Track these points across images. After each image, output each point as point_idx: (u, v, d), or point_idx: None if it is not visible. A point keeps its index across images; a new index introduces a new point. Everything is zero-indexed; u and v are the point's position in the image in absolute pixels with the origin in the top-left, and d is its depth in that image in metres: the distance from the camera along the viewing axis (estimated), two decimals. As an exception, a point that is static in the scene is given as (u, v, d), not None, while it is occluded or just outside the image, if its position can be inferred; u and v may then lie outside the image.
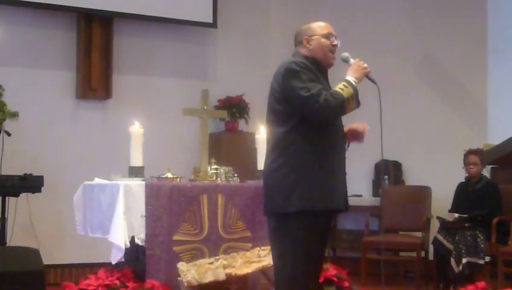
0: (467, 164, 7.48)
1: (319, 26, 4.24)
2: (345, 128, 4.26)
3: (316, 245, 4.09)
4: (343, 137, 4.23)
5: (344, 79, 4.10)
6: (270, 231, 4.19)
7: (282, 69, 4.09)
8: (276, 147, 4.11)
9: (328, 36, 4.20)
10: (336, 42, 4.21)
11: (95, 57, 7.93)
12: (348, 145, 4.30)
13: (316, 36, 4.20)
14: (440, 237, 7.30)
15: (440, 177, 8.45)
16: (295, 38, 4.34)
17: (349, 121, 4.29)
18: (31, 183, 6.55)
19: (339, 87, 4.05)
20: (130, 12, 8.07)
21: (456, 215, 7.30)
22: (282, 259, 4.07)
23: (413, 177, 9.06)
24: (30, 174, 6.57)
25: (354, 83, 4.08)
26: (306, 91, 3.95)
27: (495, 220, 7.18)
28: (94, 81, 7.92)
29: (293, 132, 4.05)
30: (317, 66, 4.14)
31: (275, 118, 4.12)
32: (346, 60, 4.27)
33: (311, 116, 4.00)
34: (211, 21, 8.50)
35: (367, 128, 4.26)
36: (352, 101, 4.04)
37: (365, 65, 4.18)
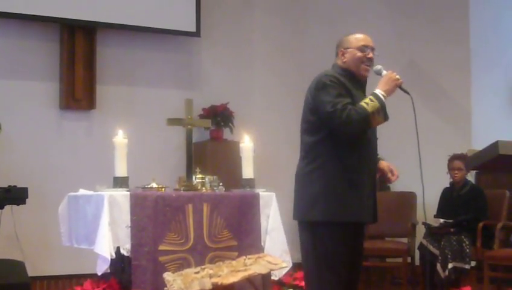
0: (451, 169, 7.52)
1: (355, 39, 4.39)
2: (379, 163, 4.45)
3: (342, 255, 4.16)
4: (374, 150, 4.38)
5: (372, 92, 4.20)
6: (299, 235, 4.32)
7: (315, 81, 4.23)
8: (307, 155, 4.27)
9: (362, 48, 4.32)
10: (370, 55, 4.31)
11: (79, 67, 7.90)
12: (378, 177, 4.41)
13: (351, 48, 4.34)
14: (426, 243, 7.32)
15: (425, 182, 8.46)
16: (336, 50, 4.46)
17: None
18: (16, 195, 6.51)
19: (364, 101, 4.15)
20: (113, 22, 8.04)
21: (442, 220, 7.33)
22: (308, 265, 4.22)
23: (398, 183, 9.06)
24: (14, 186, 6.54)
25: (381, 96, 4.18)
26: (332, 106, 4.06)
27: (480, 224, 7.22)
28: (78, 91, 7.89)
29: (322, 142, 4.20)
30: (352, 78, 4.26)
31: (308, 126, 4.29)
32: (378, 73, 4.40)
33: (335, 131, 4.13)
34: (194, 30, 8.48)
35: (396, 174, 4.51)
36: (378, 115, 4.15)
37: (397, 76, 4.28)
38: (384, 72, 4.33)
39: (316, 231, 4.16)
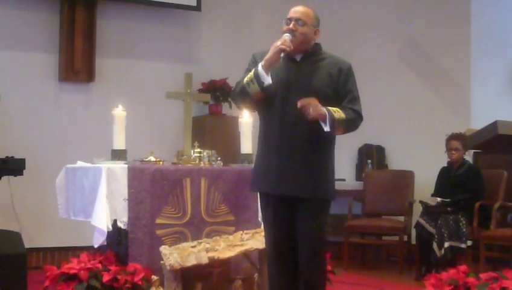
0: (448, 149, 7.51)
1: None
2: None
3: (266, 223, 4.42)
4: (285, 122, 4.15)
5: None
6: None
7: None
8: None
9: (285, 22, 4.24)
10: (287, 26, 4.19)
11: (78, 39, 7.86)
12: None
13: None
14: (422, 221, 7.33)
15: (423, 161, 8.48)
16: None
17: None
18: (13, 166, 6.49)
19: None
20: (114, -6, 8.02)
21: (439, 199, 7.33)
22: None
23: (396, 161, 9.09)
24: (12, 157, 6.51)
25: (260, 65, 4.10)
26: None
27: (477, 204, 7.23)
28: (77, 64, 7.86)
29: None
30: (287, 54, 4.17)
31: None
32: None
33: None
34: (194, 4, 8.44)
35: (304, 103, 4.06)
36: (252, 84, 4.10)
37: (277, 43, 4.10)
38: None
39: None
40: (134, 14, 8.32)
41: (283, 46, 4.05)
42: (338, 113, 4.08)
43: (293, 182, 4.14)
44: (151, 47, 8.44)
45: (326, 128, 4.06)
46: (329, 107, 4.07)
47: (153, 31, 8.44)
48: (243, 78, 4.18)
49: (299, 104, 4.01)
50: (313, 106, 4.00)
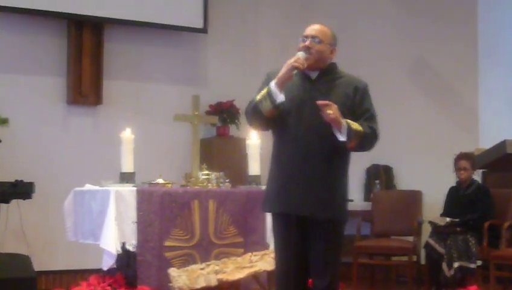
0: (457, 169, 7.49)
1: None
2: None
3: (277, 246, 4.28)
4: (299, 141, 4.09)
5: None
6: None
7: None
8: None
9: (301, 39, 4.19)
10: (303, 44, 4.14)
11: (86, 62, 7.90)
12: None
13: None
14: (432, 242, 7.30)
15: (431, 181, 8.46)
16: None
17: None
18: (22, 190, 6.52)
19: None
20: (121, 18, 8.05)
21: (448, 219, 7.30)
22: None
23: (404, 181, 9.07)
24: (21, 181, 6.54)
25: (272, 83, 4.04)
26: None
27: (486, 224, 7.20)
28: (85, 87, 7.90)
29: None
30: (302, 72, 4.13)
31: None
32: None
33: None
34: (201, 26, 8.48)
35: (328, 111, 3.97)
36: (265, 102, 4.04)
37: (290, 61, 4.04)
38: None
39: None
40: (141, 37, 8.35)
41: (296, 64, 4.00)
42: (355, 125, 4.02)
43: (308, 203, 4.05)
44: (159, 69, 8.47)
45: (342, 138, 3.98)
46: (348, 120, 4.01)
47: (160, 53, 8.47)
48: (256, 96, 4.13)
49: (318, 103, 3.93)
50: (333, 108, 3.93)
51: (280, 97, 4.01)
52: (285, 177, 4.10)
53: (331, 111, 3.91)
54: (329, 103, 3.93)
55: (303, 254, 4.15)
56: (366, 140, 4.10)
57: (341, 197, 4.18)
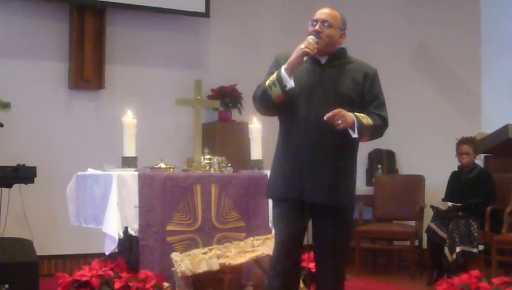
0: (459, 153, 7.48)
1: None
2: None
3: (278, 231, 4.21)
4: (309, 122, 4.04)
5: None
6: None
7: None
8: None
9: (311, 23, 4.13)
10: (312, 28, 4.08)
11: (88, 47, 7.89)
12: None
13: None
14: (434, 226, 7.31)
15: (434, 166, 8.46)
16: None
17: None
18: (24, 174, 6.53)
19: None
20: (123, 2, 8.02)
21: (450, 204, 7.30)
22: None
23: (406, 166, 9.07)
24: (23, 165, 6.55)
25: (282, 68, 3.98)
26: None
27: (489, 208, 7.20)
28: (87, 71, 7.89)
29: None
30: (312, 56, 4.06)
31: None
32: None
33: None
34: (203, 10, 8.46)
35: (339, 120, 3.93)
36: (274, 88, 3.98)
37: (301, 46, 3.97)
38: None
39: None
40: (143, 21, 8.34)
41: (307, 50, 3.93)
42: (366, 119, 3.99)
43: (318, 189, 4.01)
44: (161, 54, 8.46)
45: (354, 135, 3.95)
46: (357, 113, 3.97)
47: (162, 37, 8.46)
48: (265, 80, 4.07)
49: (325, 118, 3.87)
50: (340, 117, 3.88)
51: (290, 83, 3.95)
52: (295, 164, 4.05)
53: (340, 121, 3.88)
54: (336, 111, 3.88)
55: (301, 233, 4.09)
56: (378, 131, 4.12)
57: (351, 184, 4.17)
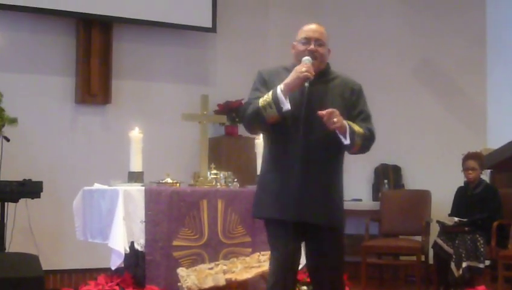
0: (465, 169, 7.48)
1: (301, 31, 4.16)
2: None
3: (274, 250, 4.16)
4: (298, 140, 3.96)
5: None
6: None
7: None
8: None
9: (303, 41, 4.10)
10: (311, 47, 4.06)
11: (94, 62, 7.92)
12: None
13: (296, 42, 4.16)
14: (440, 241, 7.29)
15: (440, 181, 8.44)
16: None
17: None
18: (30, 189, 6.53)
19: (264, 96, 4.00)
20: (130, 17, 8.06)
21: (456, 219, 7.29)
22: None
23: (413, 181, 9.05)
24: (29, 180, 6.56)
25: (278, 89, 3.93)
26: (246, 101, 4.08)
27: (495, 224, 7.18)
28: (93, 86, 7.92)
29: (265, 141, 4.22)
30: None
31: None
32: None
33: None
34: (210, 26, 8.49)
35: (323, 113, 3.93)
36: (270, 109, 3.93)
37: (303, 69, 3.93)
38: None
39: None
40: (150, 36, 8.37)
41: (309, 74, 3.91)
42: (356, 127, 3.98)
43: (309, 209, 3.97)
44: (167, 69, 8.48)
45: (346, 142, 3.92)
46: (348, 121, 3.96)
47: (169, 52, 8.48)
48: (253, 98, 4.03)
49: (322, 114, 3.85)
50: (336, 114, 3.87)
51: (287, 105, 3.91)
52: (284, 182, 3.98)
53: (336, 119, 3.86)
54: (332, 110, 3.87)
55: (297, 254, 4.09)
56: (367, 141, 4.08)
57: (340, 202, 4.15)
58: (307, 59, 3.99)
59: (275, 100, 3.92)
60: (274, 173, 4.07)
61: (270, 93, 3.96)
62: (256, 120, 4.02)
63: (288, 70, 4.05)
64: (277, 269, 4.04)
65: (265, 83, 4.09)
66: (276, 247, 4.08)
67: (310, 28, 4.12)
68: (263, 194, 4.14)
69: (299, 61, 4.03)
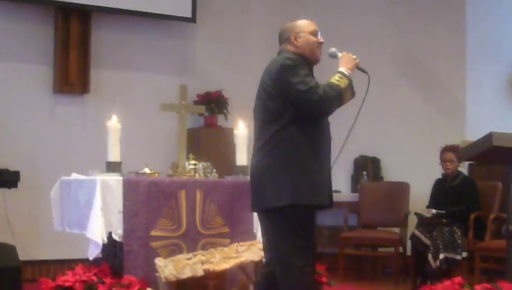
0: (443, 161, 7.52)
1: (305, 24, 4.36)
2: None
3: (305, 238, 4.15)
4: (329, 134, 4.30)
5: (338, 71, 4.27)
6: (263, 227, 4.30)
7: (277, 66, 4.16)
8: (266, 144, 4.17)
9: (314, 33, 4.33)
10: (322, 40, 4.34)
11: (73, 51, 7.86)
12: None
13: (303, 33, 4.32)
14: (418, 233, 7.32)
15: (418, 173, 8.48)
16: (280, 36, 4.42)
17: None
18: (7, 179, 6.50)
19: (334, 79, 4.21)
20: (109, 6, 8.01)
21: (434, 211, 7.33)
22: (277, 252, 4.17)
23: (391, 173, 9.08)
24: (6, 170, 6.53)
25: (347, 73, 4.25)
26: (304, 85, 4.06)
27: (472, 216, 7.23)
28: (72, 75, 7.86)
29: (284, 129, 4.13)
30: (306, 62, 4.24)
31: (267, 115, 4.20)
32: (334, 55, 4.45)
33: (311, 109, 4.11)
34: (190, 15, 8.46)
35: None
36: (348, 92, 4.21)
37: (354, 56, 4.36)
38: (339, 54, 4.43)
39: (280, 215, 4.11)
40: (129, 26, 8.32)
41: (358, 60, 4.42)
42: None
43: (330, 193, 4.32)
44: (146, 59, 8.44)
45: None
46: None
47: (148, 42, 8.45)
48: (315, 84, 4.09)
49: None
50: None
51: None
52: (325, 171, 4.25)
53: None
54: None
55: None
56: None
57: None
58: (335, 49, 4.45)
59: (351, 83, 4.25)
60: (317, 162, 4.18)
61: (343, 76, 4.24)
62: (339, 103, 4.20)
63: (307, 60, 4.27)
64: (308, 253, 4.18)
65: (307, 66, 4.25)
66: (308, 232, 4.19)
67: (312, 23, 4.42)
68: (302, 183, 4.13)
69: (311, 50, 4.30)
